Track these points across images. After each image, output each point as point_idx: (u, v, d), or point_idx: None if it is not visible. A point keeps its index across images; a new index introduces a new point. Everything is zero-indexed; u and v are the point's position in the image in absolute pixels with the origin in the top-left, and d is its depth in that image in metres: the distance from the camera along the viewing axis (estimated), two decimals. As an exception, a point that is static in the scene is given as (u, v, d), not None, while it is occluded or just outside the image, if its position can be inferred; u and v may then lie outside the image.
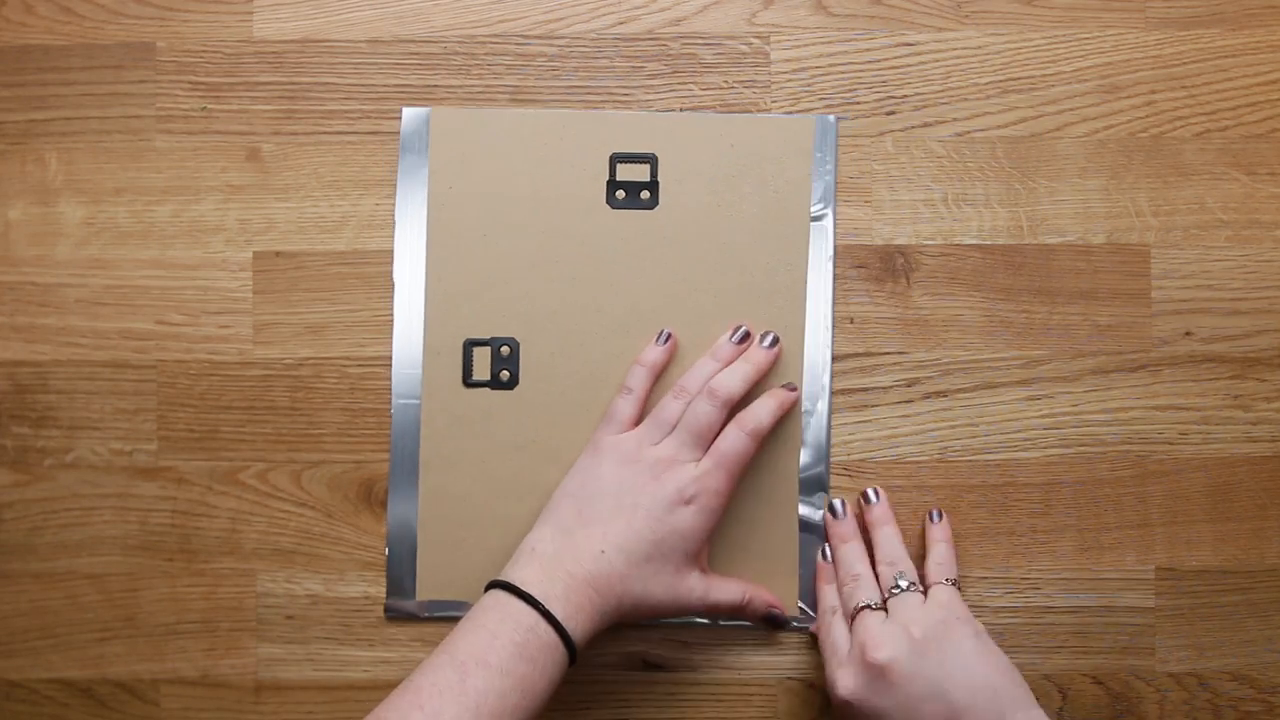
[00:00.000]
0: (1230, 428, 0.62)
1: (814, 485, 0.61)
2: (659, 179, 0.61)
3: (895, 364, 0.62)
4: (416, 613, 0.61)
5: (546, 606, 0.52)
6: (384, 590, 0.61)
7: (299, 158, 0.62)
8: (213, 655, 0.62)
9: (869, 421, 0.62)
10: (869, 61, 0.62)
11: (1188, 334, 0.62)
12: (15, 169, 0.63)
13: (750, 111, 0.62)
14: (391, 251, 0.62)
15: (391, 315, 0.62)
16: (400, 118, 0.62)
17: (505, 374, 0.61)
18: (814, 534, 0.61)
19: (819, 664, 0.61)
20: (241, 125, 0.62)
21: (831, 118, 0.61)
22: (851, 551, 0.60)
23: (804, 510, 0.61)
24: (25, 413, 0.62)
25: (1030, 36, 0.62)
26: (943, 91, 0.62)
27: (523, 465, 0.61)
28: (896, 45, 0.62)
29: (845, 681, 0.55)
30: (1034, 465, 0.62)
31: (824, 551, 0.61)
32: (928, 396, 0.61)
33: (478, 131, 0.61)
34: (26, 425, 0.62)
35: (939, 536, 0.60)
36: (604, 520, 0.55)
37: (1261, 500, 0.61)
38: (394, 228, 0.62)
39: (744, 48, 0.62)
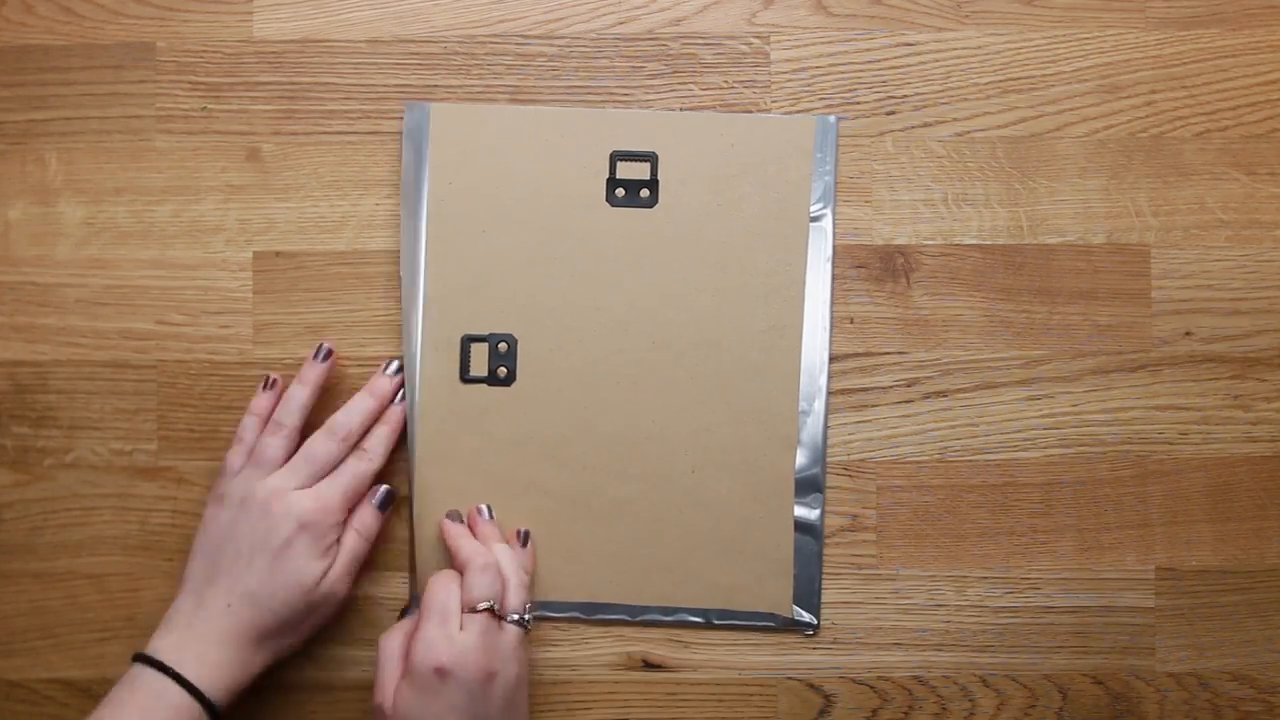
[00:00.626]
0: (1230, 428, 0.62)
1: (809, 486, 0.61)
2: (659, 177, 0.61)
3: (895, 364, 0.62)
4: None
5: (178, 671, 0.54)
6: (383, 590, 0.62)
7: (299, 158, 0.62)
8: (213, 655, 0.62)
9: (869, 421, 0.62)
10: (869, 61, 0.62)
11: (1188, 334, 0.62)
12: (15, 169, 0.63)
13: (750, 111, 0.62)
14: (390, 251, 0.62)
15: (391, 314, 0.62)
16: (402, 115, 0.62)
17: (503, 370, 0.61)
18: (811, 535, 0.61)
19: (819, 663, 0.61)
20: (241, 125, 0.62)
21: (832, 118, 0.61)
22: (482, 533, 0.59)
23: (799, 511, 0.61)
24: (25, 413, 0.62)
25: (1030, 36, 0.62)
26: (943, 91, 0.62)
27: (519, 462, 0.61)
28: (896, 45, 0.62)
29: (440, 650, 0.54)
30: (1034, 465, 0.62)
31: (466, 515, 0.60)
32: (928, 396, 0.61)
33: (478, 128, 0.62)
34: (26, 425, 0.62)
35: (519, 560, 0.59)
36: (227, 572, 0.56)
37: (1261, 500, 0.61)
38: (399, 223, 0.62)
39: (744, 48, 0.62)
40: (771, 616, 0.61)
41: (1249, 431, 0.62)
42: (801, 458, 0.61)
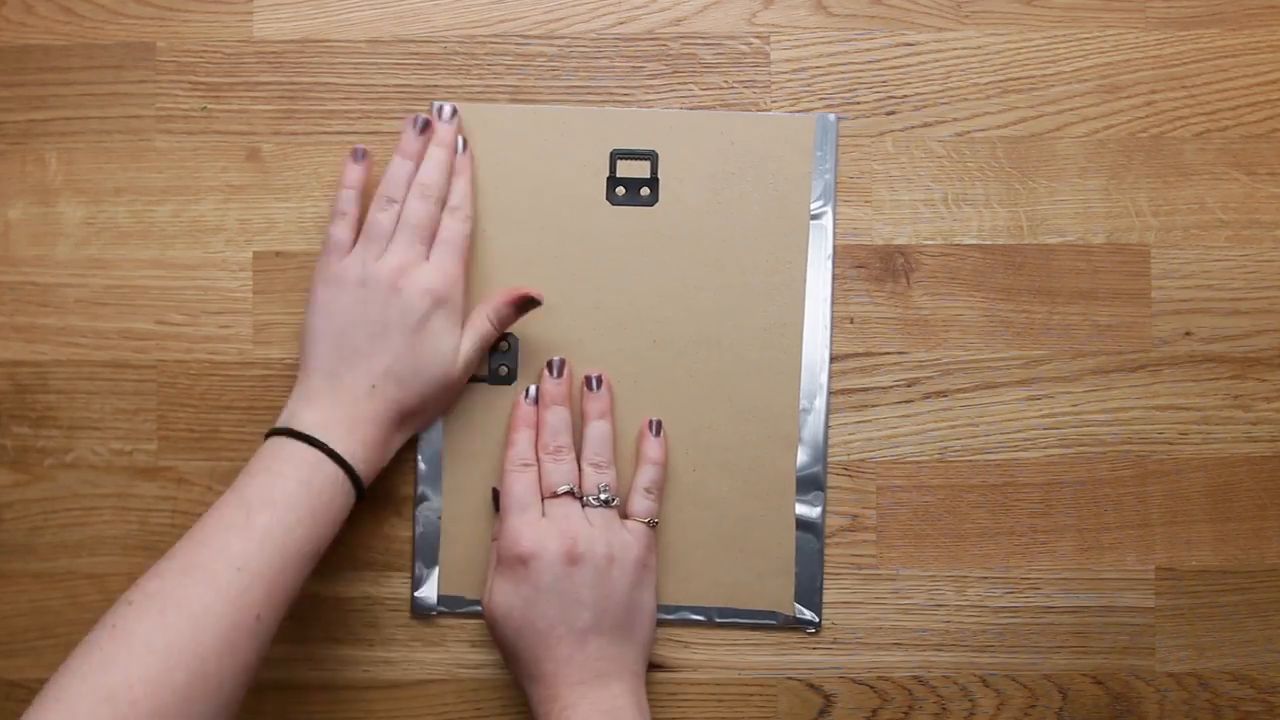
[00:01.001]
0: (1230, 428, 0.62)
1: (810, 484, 0.61)
2: (659, 176, 0.61)
3: (895, 364, 0.62)
4: (435, 608, 0.61)
5: (329, 445, 0.53)
6: (383, 590, 0.61)
7: (299, 158, 0.62)
8: (213, 655, 0.62)
9: (869, 421, 0.62)
10: (869, 61, 0.62)
11: (1188, 334, 0.62)
12: (15, 169, 0.63)
13: (750, 112, 0.62)
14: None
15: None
16: (400, 115, 0.62)
17: (504, 369, 0.61)
18: (812, 533, 0.61)
19: (818, 663, 0.61)
20: (241, 125, 0.62)
21: (832, 116, 0.61)
22: (561, 418, 0.59)
23: (800, 509, 0.61)
24: (25, 413, 0.62)
25: (1030, 36, 0.62)
26: (943, 91, 0.62)
27: None
28: (896, 45, 0.62)
29: (528, 537, 0.55)
30: (1034, 465, 0.62)
31: (528, 393, 0.60)
32: (928, 396, 0.61)
33: (480, 127, 0.62)
34: (26, 425, 0.62)
35: (653, 456, 0.59)
36: (364, 353, 0.55)
37: (1261, 500, 0.61)
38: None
39: (744, 48, 0.62)
40: (773, 614, 0.61)
41: (1249, 431, 0.62)
42: (803, 455, 0.61)
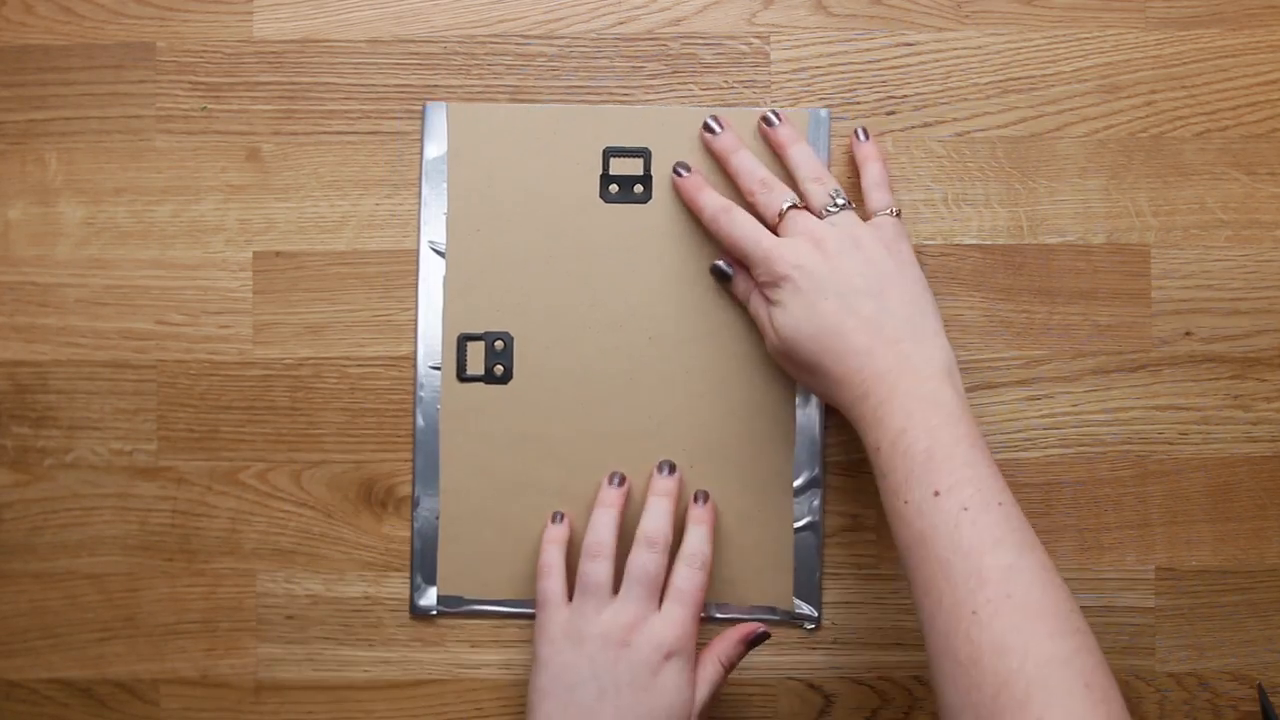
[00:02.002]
0: (1230, 428, 0.62)
1: (808, 481, 0.61)
2: (651, 173, 0.61)
3: (895, 364, 0.62)
4: (435, 608, 0.61)
5: None
6: (383, 590, 0.62)
7: (299, 158, 0.62)
8: (213, 655, 0.62)
9: (869, 421, 0.61)
10: (869, 61, 0.62)
11: (1188, 334, 0.62)
12: (15, 169, 0.63)
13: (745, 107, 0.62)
14: (390, 250, 0.62)
15: (391, 314, 0.62)
16: (400, 115, 0.62)
17: (499, 369, 0.61)
18: (810, 529, 0.61)
19: (819, 664, 0.61)
20: (241, 125, 0.62)
21: (824, 112, 0.61)
22: (748, 158, 0.59)
23: (797, 505, 0.61)
24: (25, 413, 0.62)
25: (1030, 36, 0.62)
26: (943, 91, 0.62)
27: (518, 461, 0.61)
28: (896, 45, 0.62)
29: (790, 250, 0.55)
30: (1034, 465, 0.62)
31: (685, 167, 0.60)
32: (928, 396, 0.61)
33: (473, 126, 0.62)
34: (26, 425, 0.62)
35: (871, 154, 0.60)
36: (594, 711, 0.53)
37: (1261, 500, 0.61)
38: (399, 224, 0.62)
39: (744, 48, 0.62)
40: (772, 610, 0.61)
41: (1249, 431, 0.62)
42: (799, 451, 0.61)
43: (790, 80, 0.62)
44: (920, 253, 0.62)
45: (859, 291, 0.54)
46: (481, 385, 0.61)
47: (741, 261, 0.58)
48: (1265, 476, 0.61)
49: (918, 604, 0.48)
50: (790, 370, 0.58)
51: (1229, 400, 0.62)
